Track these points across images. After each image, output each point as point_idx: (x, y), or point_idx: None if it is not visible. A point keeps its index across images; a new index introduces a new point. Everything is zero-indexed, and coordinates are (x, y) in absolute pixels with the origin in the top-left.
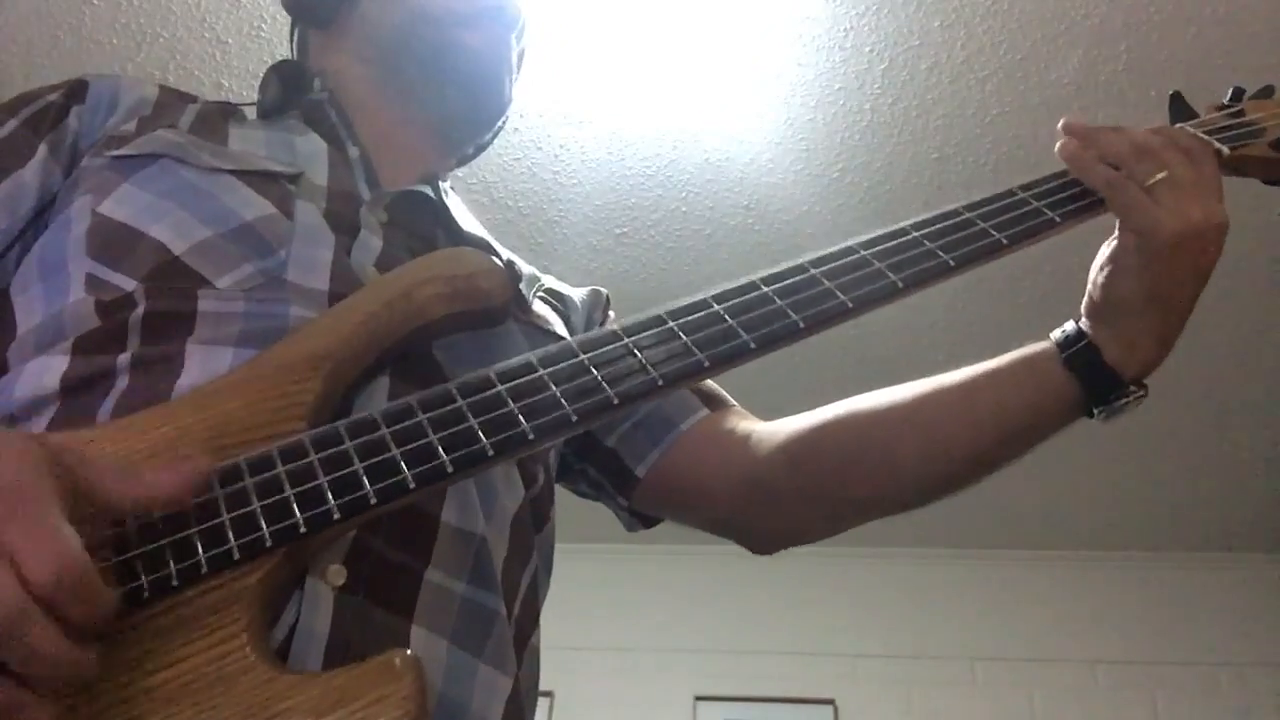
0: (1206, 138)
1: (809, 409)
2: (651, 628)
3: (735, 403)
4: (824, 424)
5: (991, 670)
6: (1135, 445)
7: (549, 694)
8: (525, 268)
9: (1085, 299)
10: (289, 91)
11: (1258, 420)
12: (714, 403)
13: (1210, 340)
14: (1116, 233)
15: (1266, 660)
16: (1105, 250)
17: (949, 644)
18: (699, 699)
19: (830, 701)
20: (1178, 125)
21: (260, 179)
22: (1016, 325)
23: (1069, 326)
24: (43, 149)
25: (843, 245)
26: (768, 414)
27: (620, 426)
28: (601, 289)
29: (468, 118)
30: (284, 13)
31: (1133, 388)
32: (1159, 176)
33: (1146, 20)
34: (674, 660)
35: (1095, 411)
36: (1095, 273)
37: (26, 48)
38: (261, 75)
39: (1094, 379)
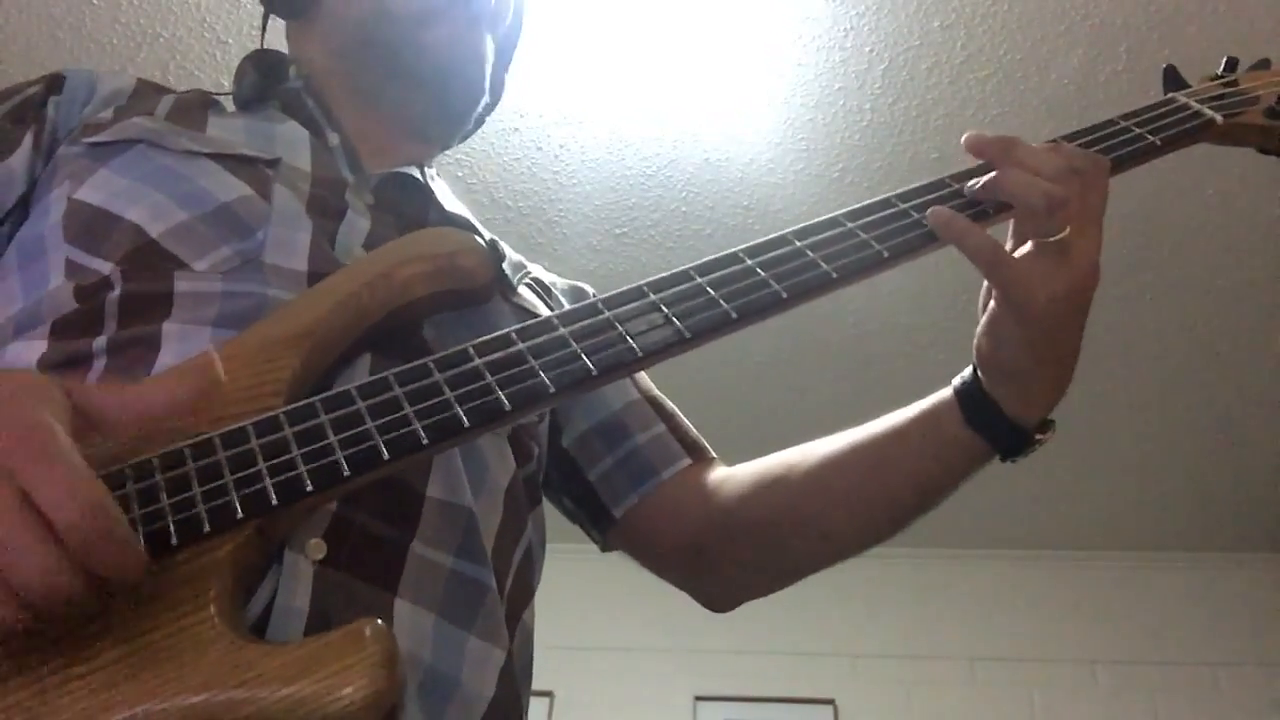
0: (1116, 144)
1: (809, 408)
2: (651, 628)
3: (713, 453)
4: (758, 489)
5: (991, 670)
6: (1136, 445)
7: (549, 694)
8: (512, 254)
9: (975, 353)
10: (265, 80)
11: (1259, 420)
12: (695, 452)
13: (1211, 340)
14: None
15: (1266, 660)
16: (984, 312)
17: (949, 644)
18: (699, 699)
19: (830, 701)
20: (1169, 94)
21: (237, 162)
22: None
23: (968, 375)
24: (28, 139)
25: (827, 217)
26: (767, 414)
27: (604, 462)
28: (586, 286)
29: (435, 116)
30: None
31: (1038, 435)
32: (1059, 238)
33: (1146, 20)
34: (674, 660)
35: (1005, 459)
36: (978, 335)
37: (26, 47)
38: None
39: (998, 433)
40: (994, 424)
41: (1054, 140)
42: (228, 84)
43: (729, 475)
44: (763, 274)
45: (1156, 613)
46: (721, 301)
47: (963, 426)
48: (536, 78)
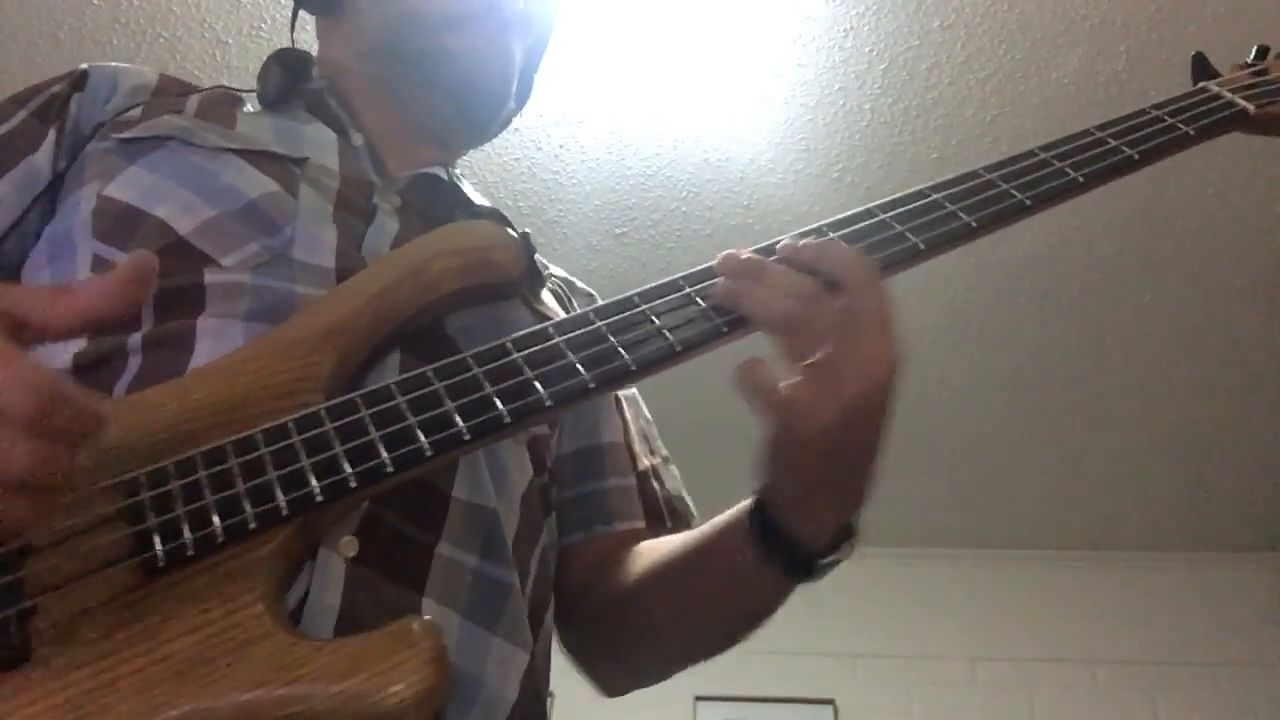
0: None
1: None
2: None
3: (671, 525)
4: (615, 578)
5: (991, 670)
6: (1136, 445)
7: (549, 694)
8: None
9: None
10: (290, 79)
11: (1259, 420)
12: (654, 519)
13: (1210, 340)
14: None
15: (1266, 660)
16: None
17: (949, 644)
18: (699, 699)
19: (830, 701)
20: (1200, 84)
21: (265, 159)
22: (1016, 323)
23: (757, 498)
24: (51, 135)
25: (863, 208)
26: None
27: (568, 491)
28: (594, 294)
29: (457, 123)
30: (284, 14)
31: (832, 556)
32: (815, 359)
33: (1146, 20)
34: None
35: (795, 578)
36: (757, 456)
37: (27, 47)
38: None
39: (787, 555)
40: (780, 545)
41: (823, 232)
42: (227, 84)
43: (635, 548)
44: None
45: (1156, 613)
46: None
47: (752, 546)
48: (536, 78)
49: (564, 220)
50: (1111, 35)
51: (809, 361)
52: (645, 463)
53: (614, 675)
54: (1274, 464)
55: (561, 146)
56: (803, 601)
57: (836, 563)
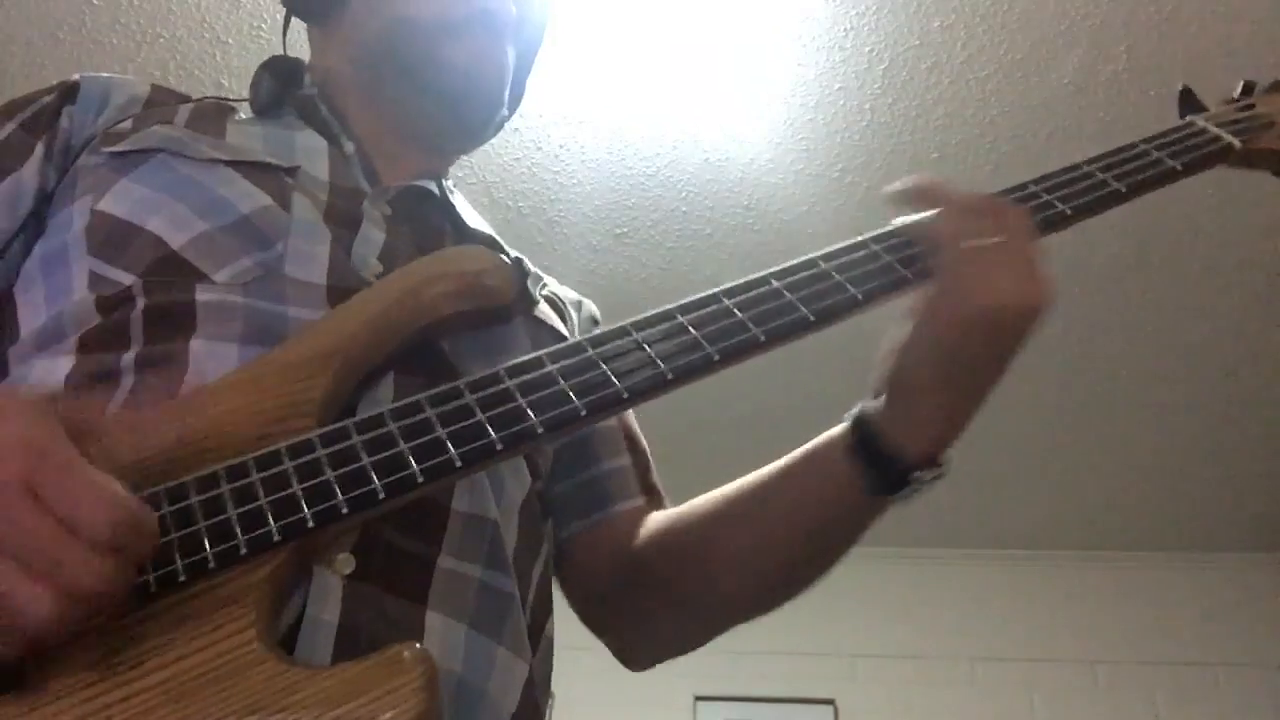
0: (1047, 197)
1: (809, 408)
2: None
3: (665, 503)
4: (655, 537)
5: (991, 670)
6: (1136, 445)
7: (550, 695)
8: (529, 265)
9: (876, 376)
10: (281, 86)
11: (1258, 420)
12: (650, 495)
13: (1210, 340)
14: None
15: (1266, 660)
16: (898, 329)
17: (949, 644)
18: (699, 699)
19: (830, 701)
20: (1187, 118)
21: (257, 170)
22: None
23: (861, 407)
24: (39, 149)
25: (852, 241)
26: (766, 414)
27: (565, 482)
28: (587, 301)
29: (451, 129)
30: (284, 13)
31: (919, 473)
32: (990, 241)
33: (1146, 20)
34: (674, 660)
35: (879, 494)
36: (885, 350)
37: (26, 48)
38: None
39: (879, 468)
40: (873, 454)
41: (1023, 187)
42: (227, 84)
43: (647, 521)
44: (790, 296)
45: (1156, 613)
46: (750, 324)
47: (844, 458)
48: (537, 78)
49: (564, 220)
50: (1111, 35)
51: (985, 242)
52: (641, 443)
53: (669, 639)
54: (1273, 465)
55: (562, 146)
56: (803, 601)
57: (926, 485)
